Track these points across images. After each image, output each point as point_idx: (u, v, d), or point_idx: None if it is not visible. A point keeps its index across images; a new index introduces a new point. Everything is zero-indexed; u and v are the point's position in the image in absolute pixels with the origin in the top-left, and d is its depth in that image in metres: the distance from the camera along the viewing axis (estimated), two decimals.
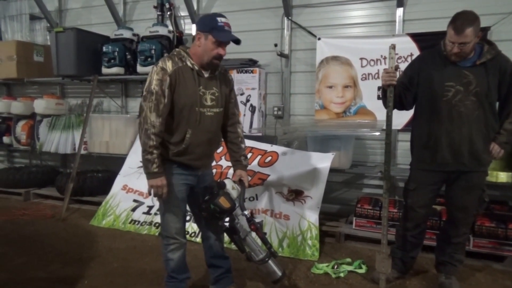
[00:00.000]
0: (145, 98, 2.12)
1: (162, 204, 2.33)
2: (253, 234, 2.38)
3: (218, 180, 2.42)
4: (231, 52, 4.76)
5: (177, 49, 2.26)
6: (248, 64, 4.50)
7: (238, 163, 2.44)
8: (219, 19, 2.15)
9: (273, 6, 4.65)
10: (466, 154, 2.50)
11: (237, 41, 2.18)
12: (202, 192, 2.35)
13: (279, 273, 2.32)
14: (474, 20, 2.36)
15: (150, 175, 2.14)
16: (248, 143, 4.04)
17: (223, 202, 2.22)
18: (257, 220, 3.69)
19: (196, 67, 2.19)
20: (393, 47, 2.54)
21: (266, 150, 3.91)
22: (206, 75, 2.24)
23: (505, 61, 2.48)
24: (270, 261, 2.31)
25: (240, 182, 2.40)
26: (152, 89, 2.10)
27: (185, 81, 2.16)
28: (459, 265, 2.78)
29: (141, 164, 4.46)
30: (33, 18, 6.10)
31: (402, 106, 2.73)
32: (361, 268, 3.11)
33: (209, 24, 2.15)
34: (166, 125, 2.19)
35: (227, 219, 2.29)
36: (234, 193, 2.31)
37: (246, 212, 2.33)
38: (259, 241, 2.39)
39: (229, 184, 2.32)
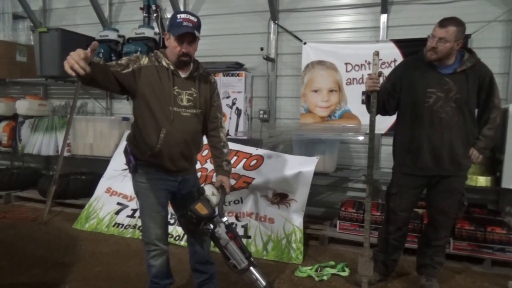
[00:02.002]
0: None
1: (142, 209, 2.31)
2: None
3: (199, 186, 2.35)
4: (217, 55, 4.81)
5: (155, 51, 2.26)
6: (234, 68, 4.51)
7: (220, 169, 2.38)
8: (178, 15, 2.13)
9: (259, 10, 4.67)
10: (447, 159, 2.57)
11: (192, 35, 2.11)
12: (185, 198, 2.29)
13: (263, 283, 2.19)
14: (460, 25, 2.46)
15: None
16: (234, 146, 4.05)
17: (199, 208, 2.14)
18: (242, 223, 3.70)
19: (172, 67, 2.18)
20: (376, 53, 2.59)
21: (252, 154, 3.93)
22: (183, 75, 2.22)
23: (484, 69, 2.56)
24: (253, 270, 2.20)
25: (221, 188, 2.33)
26: (118, 62, 2.10)
27: (160, 80, 2.14)
28: (440, 267, 2.84)
29: (125, 167, 4.45)
30: (16, 17, 5.99)
31: (385, 112, 2.78)
32: (344, 271, 3.14)
33: (170, 23, 2.17)
34: (141, 125, 2.18)
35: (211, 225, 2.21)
36: (214, 199, 2.23)
37: (224, 219, 2.23)
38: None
39: (208, 190, 2.25)
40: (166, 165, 2.22)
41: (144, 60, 2.16)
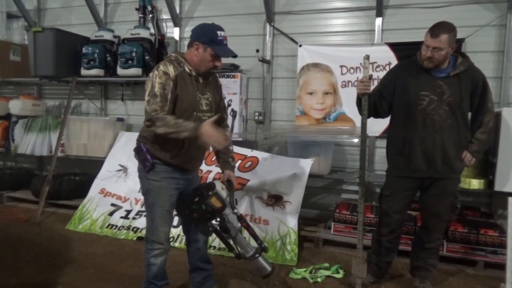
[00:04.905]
0: (149, 102, 2.13)
1: (152, 208, 2.32)
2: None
3: (208, 182, 2.50)
4: None
5: (173, 54, 2.29)
6: (230, 69, 4.50)
7: (227, 164, 2.52)
8: (219, 32, 2.21)
9: (255, 12, 4.68)
10: (439, 161, 2.58)
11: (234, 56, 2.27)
12: (191, 194, 2.37)
13: (269, 269, 2.43)
14: (451, 30, 2.47)
15: (195, 129, 2.05)
16: None
17: (214, 202, 2.28)
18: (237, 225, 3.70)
19: (194, 73, 2.25)
20: (367, 57, 2.62)
21: (246, 155, 3.93)
22: (201, 80, 2.30)
23: (477, 73, 2.58)
24: (260, 257, 2.41)
25: (228, 182, 2.47)
26: (156, 92, 2.12)
27: (186, 86, 2.21)
28: (433, 269, 2.85)
29: (119, 168, 4.46)
30: (10, 16, 5.94)
31: (377, 114, 2.80)
32: (338, 273, 3.14)
33: (209, 36, 2.20)
34: None
35: (217, 219, 2.37)
36: (223, 193, 2.37)
37: (236, 211, 2.41)
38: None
39: (218, 184, 2.39)
40: (184, 166, 2.32)
41: (171, 70, 2.17)
